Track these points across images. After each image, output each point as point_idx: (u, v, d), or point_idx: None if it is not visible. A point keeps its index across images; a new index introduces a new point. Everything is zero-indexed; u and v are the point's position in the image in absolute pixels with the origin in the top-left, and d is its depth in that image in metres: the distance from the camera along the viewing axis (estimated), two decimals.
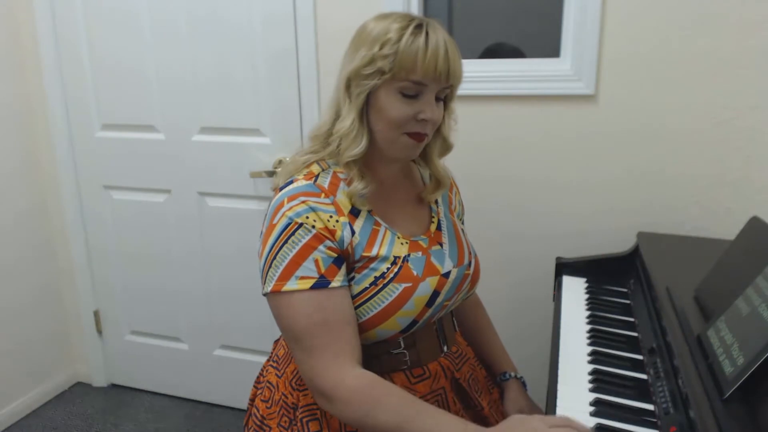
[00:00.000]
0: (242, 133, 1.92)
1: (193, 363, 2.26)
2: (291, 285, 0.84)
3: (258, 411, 1.04)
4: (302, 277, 0.84)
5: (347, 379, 0.82)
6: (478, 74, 1.60)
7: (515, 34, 1.69)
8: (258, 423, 1.03)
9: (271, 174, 1.89)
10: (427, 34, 0.85)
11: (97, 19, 1.98)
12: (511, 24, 1.70)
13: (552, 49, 1.60)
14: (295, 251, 0.85)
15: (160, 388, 2.35)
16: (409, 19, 0.87)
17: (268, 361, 1.09)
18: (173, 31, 1.90)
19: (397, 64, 0.85)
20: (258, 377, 1.11)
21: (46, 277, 2.27)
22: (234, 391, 2.21)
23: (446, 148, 1.02)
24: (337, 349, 0.84)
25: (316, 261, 0.85)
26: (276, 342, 1.11)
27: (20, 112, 2.12)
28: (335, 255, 0.87)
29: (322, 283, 0.85)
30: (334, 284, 0.86)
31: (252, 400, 1.10)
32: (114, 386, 2.42)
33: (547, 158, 1.63)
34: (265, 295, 0.88)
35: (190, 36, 1.88)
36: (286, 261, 0.85)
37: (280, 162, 1.89)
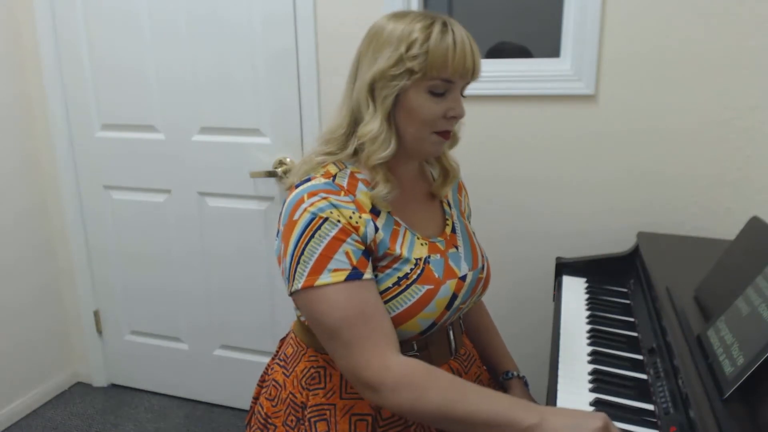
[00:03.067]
0: (242, 133, 1.92)
1: (193, 363, 2.26)
2: (324, 278, 0.83)
3: (262, 409, 1.03)
4: (335, 270, 0.83)
5: (392, 367, 0.81)
6: None
7: (515, 34, 1.69)
8: (262, 421, 1.02)
9: (271, 174, 1.89)
10: (453, 31, 0.86)
11: (97, 19, 1.98)
12: (512, 24, 1.70)
13: (552, 49, 1.60)
14: (323, 245, 0.83)
15: (160, 388, 2.35)
16: (430, 17, 0.87)
17: (273, 359, 1.08)
18: (173, 31, 1.90)
19: (428, 64, 0.85)
20: (262, 376, 1.11)
21: (46, 277, 2.27)
22: (234, 391, 2.21)
23: (455, 140, 1.03)
24: (377, 339, 0.83)
25: (347, 253, 0.84)
26: (282, 340, 1.11)
27: (20, 112, 2.12)
28: (363, 248, 0.86)
29: (355, 275, 0.84)
30: (366, 276, 0.85)
31: (256, 398, 1.09)
32: (114, 386, 2.42)
33: (547, 158, 1.63)
34: (293, 293, 0.86)
35: (190, 36, 1.88)
36: (316, 255, 0.83)
37: (280, 162, 1.89)
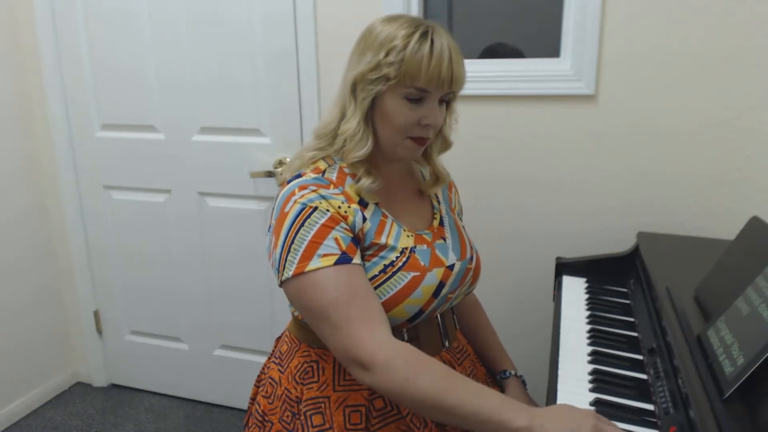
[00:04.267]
0: (242, 133, 1.92)
1: (193, 363, 2.26)
2: (314, 264, 0.84)
3: (259, 407, 1.04)
4: (325, 255, 0.85)
5: (385, 345, 0.81)
6: (478, 74, 1.60)
7: (515, 34, 1.69)
8: (259, 419, 1.03)
9: (271, 174, 1.89)
10: (432, 41, 0.87)
11: (97, 19, 1.98)
12: (511, 24, 1.70)
13: (552, 49, 1.60)
14: (313, 232, 0.85)
15: (160, 388, 2.35)
16: (415, 24, 0.88)
17: (270, 358, 1.09)
18: (173, 31, 1.90)
19: (402, 72, 0.87)
20: (259, 376, 1.11)
21: (46, 277, 2.27)
22: (234, 391, 2.21)
23: (446, 146, 1.04)
24: (369, 318, 0.83)
25: (336, 239, 0.86)
26: (278, 339, 1.12)
27: (20, 112, 2.11)
28: (351, 235, 0.88)
29: (344, 259, 0.85)
30: (355, 261, 0.87)
31: (253, 398, 1.10)
32: (114, 386, 2.42)
33: (547, 158, 1.63)
34: (284, 281, 0.87)
35: (190, 36, 1.88)
36: (306, 242, 0.85)
37: (280, 162, 1.89)
